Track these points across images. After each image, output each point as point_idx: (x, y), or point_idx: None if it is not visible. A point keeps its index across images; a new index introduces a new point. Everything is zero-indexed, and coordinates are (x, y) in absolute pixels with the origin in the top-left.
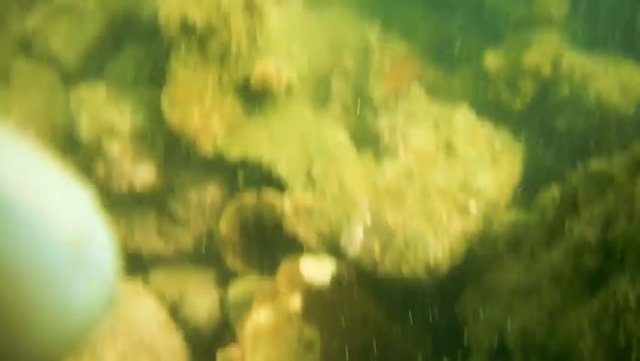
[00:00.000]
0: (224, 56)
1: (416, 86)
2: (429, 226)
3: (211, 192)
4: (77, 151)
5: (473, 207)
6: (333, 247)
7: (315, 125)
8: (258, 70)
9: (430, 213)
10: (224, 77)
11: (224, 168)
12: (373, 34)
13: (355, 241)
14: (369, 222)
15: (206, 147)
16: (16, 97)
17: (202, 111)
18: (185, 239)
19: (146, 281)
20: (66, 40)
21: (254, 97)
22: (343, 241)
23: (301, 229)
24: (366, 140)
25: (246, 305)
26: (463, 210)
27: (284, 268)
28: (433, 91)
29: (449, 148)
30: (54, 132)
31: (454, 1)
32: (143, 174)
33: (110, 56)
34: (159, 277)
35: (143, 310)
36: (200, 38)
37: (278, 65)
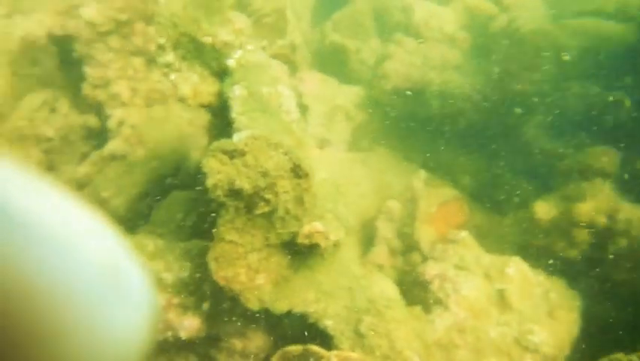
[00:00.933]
0: (271, 217)
1: (464, 232)
2: None
3: (255, 343)
4: None
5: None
6: None
7: (363, 280)
8: (305, 230)
9: None
10: (271, 236)
11: (270, 319)
12: (419, 178)
13: None
14: None
15: (253, 302)
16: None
17: (248, 268)
18: None
19: None
20: (116, 187)
21: (300, 252)
22: None
23: None
24: (414, 288)
25: None
26: None
27: None
28: (483, 236)
29: (502, 300)
30: None
31: (500, 141)
32: (187, 324)
33: (156, 202)
34: None
35: None
36: (247, 202)
37: (325, 224)
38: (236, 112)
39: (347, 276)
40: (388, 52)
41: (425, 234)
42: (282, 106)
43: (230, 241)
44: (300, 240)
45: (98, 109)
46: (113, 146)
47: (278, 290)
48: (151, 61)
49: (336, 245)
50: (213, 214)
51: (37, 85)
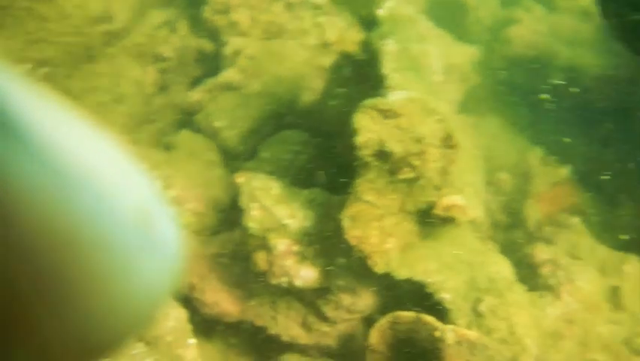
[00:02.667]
0: (412, 184)
1: (576, 217)
2: None
3: (364, 301)
4: (231, 228)
5: None
6: None
7: (484, 256)
8: (444, 202)
9: None
10: (408, 202)
11: (384, 281)
12: (535, 154)
13: None
14: None
15: (380, 265)
16: (176, 165)
17: (381, 231)
18: (329, 336)
19: None
20: (229, 119)
21: (431, 222)
22: None
23: None
24: (517, 267)
25: None
26: None
27: None
28: (592, 224)
29: (615, 298)
30: (211, 205)
31: (622, 126)
32: (304, 274)
33: (265, 139)
34: None
35: None
36: (392, 166)
37: (465, 199)
38: (388, 68)
39: (469, 250)
40: (514, 16)
41: (533, 212)
42: (429, 66)
43: (367, 202)
44: (437, 211)
45: (214, 34)
46: (228, 75)
47: (403, 256)
48: None
49: (472, 222)
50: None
51: (160, 3)
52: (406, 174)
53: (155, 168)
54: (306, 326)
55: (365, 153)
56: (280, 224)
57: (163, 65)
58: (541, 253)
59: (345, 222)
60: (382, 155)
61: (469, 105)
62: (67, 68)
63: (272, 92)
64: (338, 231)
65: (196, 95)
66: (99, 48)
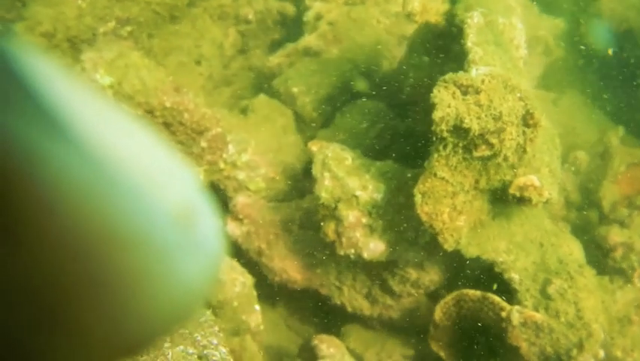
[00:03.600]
0: (487, 162)
1: None
2: None
3: (430, 276)
4: (302, 196)
5: None
6: None
7: (554, 237)
8: (520, 181)
9: None
10: (481, 180)
11: (451, 258)
12: (616, 134)
13: None
14: (601, 356)
15: (450, 243)
16: (251, 130)
17: (453, 208)
18: (393, 309)
19: (338, 334)
20: (306, 85)
21: (502, 200)
22: None
23: (525, 343)
24: (589, 248)
25: None
26: None
27: None
28: None
29: None
30: (282, 171)
31: None
32: (372, 246)
33: (343, 106)
34: (354, 334)
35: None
36: (468, 142)
37: (541, 179)
38: (472, 41)
39: (539, 230)
40: None
41: (610, 193)
42: (513, 40)
43: (442, 178)
44: (512, 190)
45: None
46: (308, 40)
47: (473, 234)
48: None
49: (547, 203)
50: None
51: None
52: (483, 151)
53: (229, 131)
54: (370, 298)
55: (442, 129)
56: (351, 195)
57: (244, 27)
58: (614, 235)
59: (418, 198)
60: (459, 131)
61: (550, 80)
62: (151, 28)
63: (350, 59)
64: (409, 205)
65: (275, 60)
66: (183, 9)
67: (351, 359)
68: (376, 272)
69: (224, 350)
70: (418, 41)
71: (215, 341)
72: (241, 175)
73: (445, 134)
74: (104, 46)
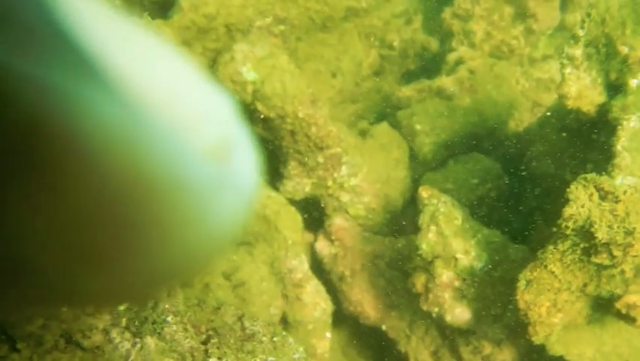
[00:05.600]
0: (602, 270)
1: None
2: None
3: (503, 356)
4: (396, 233)
5: None
6: None
7: None
8: (630, 299)
9: None
10: (590, 285)
11: (532, 347)
12: None
13: None
14: None
15: (540, 336)
16: (366, 155)
17: (553, 304)
18: None
19: None
20: (430, 125)
21: (602, 307)
22: None
23: None
24: None
25: None
26: None
27: None
28: None
29: None
30: (384, 204)
31: None
32: (458, 313)
33: (458, 155)
34: None
35: None
36: (590, 247)
37: None
38: (622, 145)
39: (629, 346)
40: None
41: None
42: None
43: (551, 272)
44: (619, 306)
45: (445, 37)
46: (444, 82)
47: (563, 333)
48: (520, 15)
49: None
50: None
51: None
52: (602, 260)
53: (346, 152)
54: (435, 357)
55: (568, 225)
56: (452, 256)
57: (386, 52)
58: None
59: (521, 283)
60: (585, 233)
61: None
62: (301, 31)
63: (480, 112)
64: (504, 281)
65: (407, 91)
66: (336, 21)
67: None
68: (450, 334)
69: None
70: (557, 118)
71: None
72: (345, 198)
73: (570, 232)
74: (257, 40)
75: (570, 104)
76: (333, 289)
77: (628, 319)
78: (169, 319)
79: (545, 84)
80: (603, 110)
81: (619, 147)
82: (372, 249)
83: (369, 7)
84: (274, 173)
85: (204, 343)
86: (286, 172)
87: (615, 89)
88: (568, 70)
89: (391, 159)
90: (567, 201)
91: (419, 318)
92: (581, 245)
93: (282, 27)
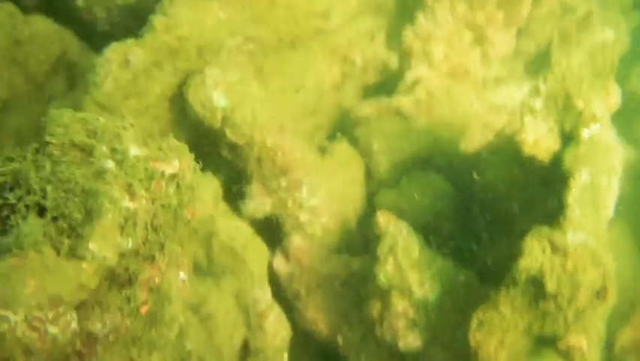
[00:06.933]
0: (546, 315)
1: None
2: None
3: None
4: (352, 253)
5: None
6: None
7: None
8: (571, 341)
9: None
10: (535, 325)
11: None
12: None
13: None
14: None
15: None
16: (325, 175)
17: (500, 343)
18: None
19: None
20: (386, 145)
21: (543, 343)
22: None
23: None
24: None
25: None
26: None
27: None
28: None
29: None
30: (341, 223)
31: None
32: (410, 341)
33: (412, 173)
34: None
35: None
36: (537, 295)
37: (588, 343)
38: (573, 197)
39: None
40: None
41: (624, 336)
42: (606, 201)
43: (501, 313)
44: (560, 346)
45: (405, 55)
46: (402, 102)
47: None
48: (478, 40)
49: None
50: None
51: (374, 10)
52: (549, 307)
53: (307, 174)
54: None
55: (521, 276)
56: (407, 287)
57: (348, 68)
58: None
59: (474, 324)
60: (535, 283)
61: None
62: (270, 49)
63: (434, 133)
64: (454, 309)
65: (366, 109)
66: (304, 40)
67: None
68: (399, 355)
69: None
70: (509, 152)
71: None
72: (303, 217)
73: (521, 280)
74: (228, 63)
75: (527, 150)
76: (288, 306)
77: (567, 358)
78: None
79: (497, 108)
80: (557, 158)
81: (570, 199)
82: (328, 269)
83: (336, 26)
84: (236, 192)
85: None
86: (249, 193)
87: (569, 139)
88: (527, 118)
89: (348, 178)
90: (522, 252)
91: (370, 337)
92: (530, 291)
93: (251, 46)
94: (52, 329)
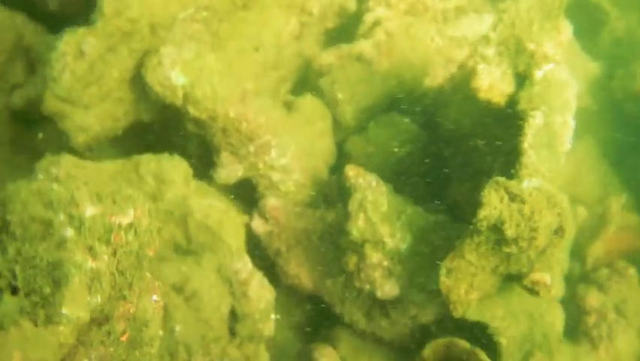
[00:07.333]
0: (510, 257)
1: (633, 268)
2: None
3: (428, 317)
4: (326, 206)
5: None
6: None
7: (544, 307)
8: (535, 277)
9: None
10: (501, 267)
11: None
12: (618, 201)
13: None
14: None
15: (458, 312)
16: (292, 131)
17: (470, 286)
18: (386, 331)
19: (331, 343)
20: (351, 93)
21: (511, 279)
22: None
23: None
24: (566, 301)
25: None
26: None
27: None
28: None
29: None
30: (312, 177)
31: None
32: (388, 289)
33: (378, 117)
34: (346, 339)
35: None
36: (501, 240)
37: (552, 278)
38: (528, 143)
39: (533, 302)
40: None
41: (595, 251)
42: (562, 137)
43: (468, 261)
44: (526, 282)
45: None
46: (362, 47)
47: (479, 303)
48: None
49: (553, 298)
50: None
51: None
52: (511, 249)
53: (275, 134)
54: (368, 316)
55: (482, 225)
56: (380, 240)
57: (306, 18)
58: (592, 299)
59: (443, 272)
60: (496, 230)
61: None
62: (224, 13)
63: (397, 75)
64: (426, 253)
65: (327, 58)
66: None
67: None
68: (380, 301)
69: None
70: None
71: None
72: (276, 177)
73: (483, 228)
74: (183, 38)
75: (482, 96)
76: (270, 264)
77: (533, 292)
78: None
79: (458, 41)
80: (512, 103)
81: (525, 145)
82: (305, 225)
83: None
84: (207, 162)
85: None
86: (219, 162)
87: (523, 81)
88: (480, 66)
89: (316, 131)
90: (481, 203)
91: (352, 286)
92: (493, 238)
93: (204, 14)
94: None
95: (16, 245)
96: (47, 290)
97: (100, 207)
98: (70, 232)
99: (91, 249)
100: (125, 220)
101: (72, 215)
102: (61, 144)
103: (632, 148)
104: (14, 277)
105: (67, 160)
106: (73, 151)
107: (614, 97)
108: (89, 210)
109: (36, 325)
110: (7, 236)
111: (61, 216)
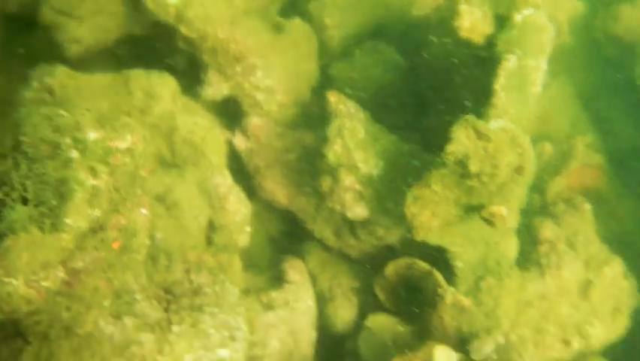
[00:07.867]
0: (472, 190)
1: (588, 204)
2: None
3: (394, 237)
4: (307, 127)
5: (575, 342)
6: (461, 345)
7: (499, 236)
8: (493, 209)
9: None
10: (463, 198)
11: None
12: (583, 140)
13: (482, 351)
14: (502, 342)
15: (420, 236)
16: (279, 51)
17: (433, 213)
18: (353, 248)
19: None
20: (339, 19)
21: (474, 209)
22: (473, 346)
23: (448, 317)
24: (523, 231)
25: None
26: (565, 342)
27: (422, 350)
28: (600, 215)
29: (586, 290)
30: (294, 99)
31: None
32: (357, 211)
33: (363, 43)
34: (315, 253)
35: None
36: (465, 174)
37: (508, 210)
38: (500, 84)
39: (489, 232)
40: None
41: (556, 186)
42: (535, 80)
43: (433, 190)
44: (484, 214)
45: None
46: None
47: (440, 230)
48: None
49: (509, 228)
50: None
51: None
52: (473, 182)
53: (261, 56)
54: (337, 234)
55: (449, 158)
56: (354, 165)
57: None
58: (546, 230)
59: (409, 199)
60: (462, 164)
61: (552, 63)
62: None
63: (386, 3)
64: (397, 179)
65: None
66: None
67: (309, 288)
68: (349, 221)
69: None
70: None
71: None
72: (260, 97)
73: (449, 162)
74: None
75: (463, 34)
76: (249, 179)
77: (490, 223)
78: (137, 296)
79: None
80: (490, 44)
81: (497, 86)
82: (284, 144)
83: None
84: (195, 78)
85: (166, 310)
86: (206, 79)
87: (502, 22)
88: (462, 5)
89: (302, 54)
90: (450, 138)
91: (324, 205)
92: (458, 171)
93: None
94: (46, 283)
95: (28, 163)
96: (54, 202)
97: (101, 132)
98: (74, 154)
99: (92, 169)
100: (123, 145)
101: (77, 139)
102: (54, 51)
103: (605, 90)
104: (25, 190)
105: (60, 71)
106: (66, 62)
107: (594, 36)
108: (92, 135)
109: (42, 231)
110: (20, 154)
111: (68, 140)
